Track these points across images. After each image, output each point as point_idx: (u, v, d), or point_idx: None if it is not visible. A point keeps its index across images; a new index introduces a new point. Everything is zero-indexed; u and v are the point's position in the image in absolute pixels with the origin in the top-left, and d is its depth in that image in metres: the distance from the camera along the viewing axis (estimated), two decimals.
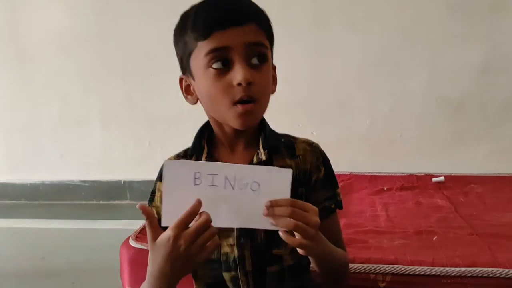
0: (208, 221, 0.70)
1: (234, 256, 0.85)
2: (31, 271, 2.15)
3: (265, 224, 0.71)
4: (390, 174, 2.29)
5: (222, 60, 0.78)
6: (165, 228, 0.75)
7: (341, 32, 2.65)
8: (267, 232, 0.83)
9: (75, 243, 2.48)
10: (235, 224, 0.78)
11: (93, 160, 3.20)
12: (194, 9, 0.81)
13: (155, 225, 0.73)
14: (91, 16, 2.99)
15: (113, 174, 3.19)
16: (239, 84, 0.77)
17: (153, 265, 0.74)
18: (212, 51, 0.77)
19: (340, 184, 2.19)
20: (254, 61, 0.79)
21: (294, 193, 0.85)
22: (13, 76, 3.19)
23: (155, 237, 0.72)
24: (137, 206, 0.72)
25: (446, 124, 2.62)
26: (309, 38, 2.59)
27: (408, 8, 2.56)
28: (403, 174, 2.27)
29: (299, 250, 0.74)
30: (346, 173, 2.28)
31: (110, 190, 3.22)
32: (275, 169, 0.74)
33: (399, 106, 2.65)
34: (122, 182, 3.20)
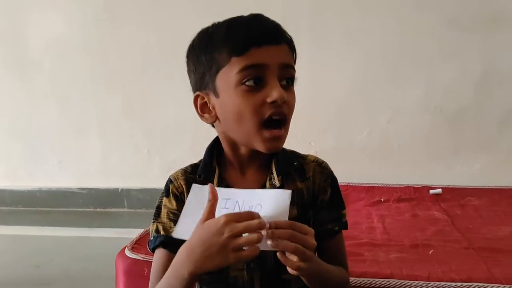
0: (261, 226, 0.68)
1: (243, 280, 0.84)
2: (26, 280, 2.13)
3: (264, 244, 0.70)
4: (388, 186, 2.29)
5: (256, 78, 0.77)
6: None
7: (340, 45, 2.66)
8: (277, 257, 0.82)
9: (71, 251, 2.47)
10: None
11: (91, 168, 3.20)
12: (224, 25, 0.80)
13: (213, 209, 0.71)
14: (91, 25, 3.00)
15: (111, 182, 3.18)
16: (273, 102, 0.76)
17: (187, 245, 0.71)
18: (247, 68, 0.76)
19: None
20: (284, 82, 0.79)
21: (304, 215, 0.86)
22: (12, 83, 3.19)
23: (206, 219, 0.70)
24: (209, 185, 0.72)
25: (444, 136, 2.62)
26: (308, 50, 2.60)
27: (406, 21, 2.57)
28: (400, 186, 2.27)
29: (292, 271, 0.73)
30: (343, 184, 2.28)
31: (107, 198, 3.21)
32: (275, 191, 0.76)
33: (397, 117, 2.66)
34: (119, 190, 3.20)
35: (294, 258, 0.71)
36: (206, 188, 0.73)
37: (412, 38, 2.58)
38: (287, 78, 0.80)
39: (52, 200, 3.27)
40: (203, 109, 0.84)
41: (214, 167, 0.86)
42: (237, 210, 0.73)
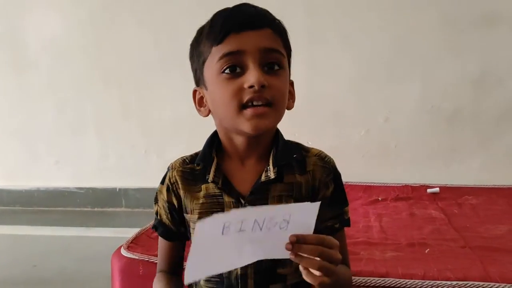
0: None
1: (237, 274, 0.84)
2: (22, 279, 2.13)
3: (286, 254, 0.68)
4: (385, 185, 2.29)
5: (236, 65, 0.76)
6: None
7: (336, 44, 2.66)
8: None
9: (67, 251, 2.47)
10: (258, 258, 0.72)
11: (88, 167, 3.20)
12: (211, 19, 0.81)
13: None
14: (87, 25, 3.00)
15: (108, 181, 3.18)
16: (250, 87, 0.74)
17: None
18: (225, 55, 0.76)
19: None
20: (267, 67, 0.77)
21: None
22: (9, 83, 3.19)
23: None
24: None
25: (441, 135, 2.62)
26: (304, 49, 2.60)
27: (402, 21, 2.57)
28: (398, 185, 2.28)
29: (310, 279, 0.69)
30: None
31: (105, 197, 3.21)
32: (304, 204, 0.70)
33: (393, 117, 2.66)
34: (117, 190, 3.19)
35: (317, 272, 0.68)
36: (215, 221, 0.65)
37: (409, 37, 2.58)
38: (271, 62, 0.77)
39: (50, 200, 3.27)
40: (200, 103, 0.86)
41: (213, 157, 0.85)
42: (256, 229, 0.67)
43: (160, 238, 0.94)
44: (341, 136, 2.72)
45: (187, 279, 0.68)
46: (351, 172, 2.56)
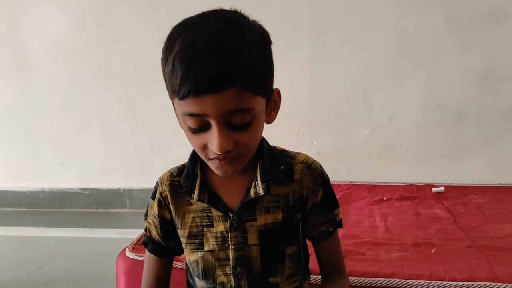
0: None
1: (231, 285, 0.84)
2: (27, 280, 2.13)
3: None
4: (390, 184, 2.28)
5: (199, 124, 0.71)
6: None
7: (339, 43, 2.65)
8: (263, 260, 0.82)
9: (73, 252, 2.47)
10: None
11: (92, 168, 3.20)
12: (172, 53, 0.69)
13: None
14: (91, 25, 3.00)
15: (113, 182, 3.18)
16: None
17: None
18: (187, 115, 0.70)
19: (339, 194, 2.18)
20: (235, 125, 0.70)
21: (291, 219, 0.83)
22: (14, 84, 3.19)
23: None
24: None
25: (446, 133, 2.61)
26: (307, 48, 2.59)
27: (406, 18, 2.56)
28: (403, 184, 2.27)
29: None
30: (345, 183, 2.27)
31: (109, 198, 3.22)
32: None
33: (398, 115, 2.65)
34: (121, 190, 3.20)
35: None
36: None
37: (413, 35, 2.56)
38: (239, 123, 0.70)
39: (54, 201, 3.28)
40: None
41: (196, 173, 0.83)
42: None
43: (148, 254, 0.93)
44: (345, 135, 2.71)
45: None
46: (355, 172, 2.57)
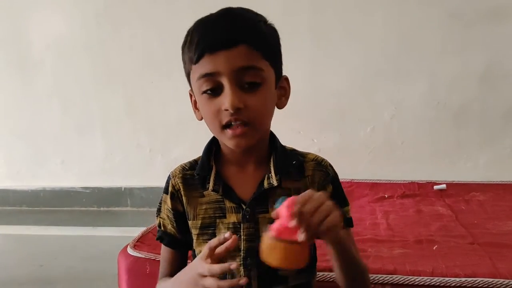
0: (223, 271, 0.72)
1: (240, 276, 0.84)
2: (29, 279, 2.13)
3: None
4: (392, 182, 2.28)
5: (214, 85, 0.76)
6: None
7: (341, 40, 2.65)
8: None
9: (74, 250, 2.47)
10: None
11: (94, 167, 3.20)
12: (191, 28, 0.79)
13: (215, 253, 0.74)
14: (92, 24, 3.00)
15: (114, 181, 3.19)
16: (227, 109, 0.75)
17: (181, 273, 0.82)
18: (202, 76, 0.76)
19: None
20: (246, 85, 0.76)
21: None
22: (15, 83, 3.20)
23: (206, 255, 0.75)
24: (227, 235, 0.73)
25: (448, 131, 2.61)
26: (309, 45, 2.59)
27: (408, 16, 2.56)
28: (404, 182, 2.27)
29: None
30: (347, 181, 2.27)
31: (110, 197, 3.22)
32: None
33: (400, 113, 2.64)
34: (122, 189, 3.20)
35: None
36: None
37: (414, 32, 2.56)
38: (250, 81, 0.76)
39: (56, 200, 3.28)
40: (196, 105, 0.85)
41: (211, 165, 0.86)
42: None
43: (164, 248, 0.94)
44: (347, 133, 2.71)
45: None
46: (357, 169, 2.57)
